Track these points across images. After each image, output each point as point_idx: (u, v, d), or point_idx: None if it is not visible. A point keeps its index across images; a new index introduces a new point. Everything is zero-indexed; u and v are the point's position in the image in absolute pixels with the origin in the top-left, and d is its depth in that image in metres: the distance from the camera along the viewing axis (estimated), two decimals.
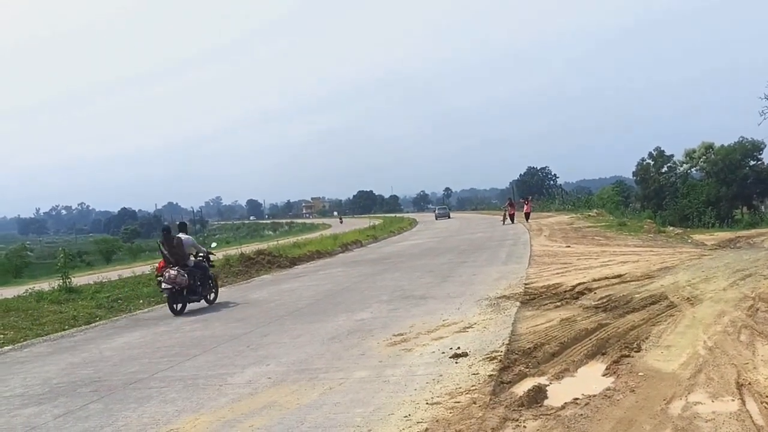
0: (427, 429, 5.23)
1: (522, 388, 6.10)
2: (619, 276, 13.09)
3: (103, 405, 7.09)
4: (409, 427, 5.33)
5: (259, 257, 24.54)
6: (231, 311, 13.75)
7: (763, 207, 65.16)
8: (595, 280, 12.68)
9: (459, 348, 7.86)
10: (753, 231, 38.68)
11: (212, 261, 15.64)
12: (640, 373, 6.24)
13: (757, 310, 8.90)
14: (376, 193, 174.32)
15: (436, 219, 71.37)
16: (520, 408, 5.51)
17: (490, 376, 6.53)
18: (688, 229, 37.92)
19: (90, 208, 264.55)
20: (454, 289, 13.40)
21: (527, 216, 39.66)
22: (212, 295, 15.02)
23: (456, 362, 7.29)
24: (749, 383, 5.67)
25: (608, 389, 5.83)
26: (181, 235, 14.36)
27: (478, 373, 6.69)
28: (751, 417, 4.89)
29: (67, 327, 13.54)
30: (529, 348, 7.55)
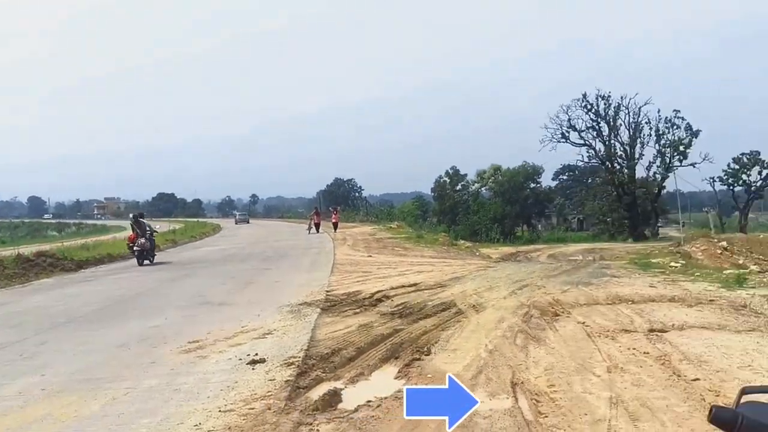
0: None
1: (318, 392, 6.18)
2: (415, 285, 13.79)
3: None
4: None
5: (39, 259, 22.26)
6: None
7: (540, 225, 72.43)
8: (393, 288, 13.23)
9: (257, 354, 7.76)
10: (531, 247, 42.95)
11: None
12: (428, 375, 6.61)
13: (531, 316, 9.85)
14: (178, 197, 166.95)
15: (236, 223, 77.76)
16: (315, 412, 5.57)
17: (286, 381, 6.53)
18: (477, 243, 41.02)
19: None
20: (256, 296, 13.24)
21: (335, 226, 40.31)
22: (153, 258, 23.41)
23: (253, 368, 7.19)
24: (522, 382, 6.24)
25: (399, 391, 6.08)
26: (143, 220, 23.62)
27: (274, 379, 6.65)
28: (522, 412, 5.38)
29: None
30: (327, 353, 7.67)
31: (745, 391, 2.14)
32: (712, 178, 58.30)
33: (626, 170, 53.72)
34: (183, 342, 8.86)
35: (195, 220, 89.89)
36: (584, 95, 53.48)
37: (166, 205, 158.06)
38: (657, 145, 52.98)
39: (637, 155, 53.90)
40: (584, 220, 76.12)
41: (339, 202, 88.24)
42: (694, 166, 52.71)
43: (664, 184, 54.23)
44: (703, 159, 52.43)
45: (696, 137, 52.12)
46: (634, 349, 7.50)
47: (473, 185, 71.68)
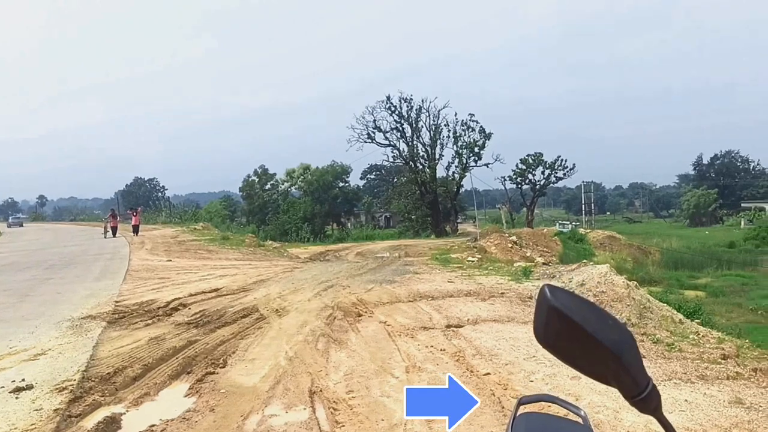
0: None
1: (93, 420, 5.47)
2: (216, 290, 13.10)
3: None
4: None
5: None
6: None
7: (349, 224, 73.83)
8: (191, 295, 12.44)
9: (23, 380, 6.75)
10: (340, 245, 43.39)
11: None
12: (222, 391, 6.15)
13: (335, 318, 9.71)
14: None
15: (9, 227, 71.07)
16: None
17: (55, 410, 5.71)
18: (287, 243, 40.64)
19: None
20: (32, 310, 11.73)
21: (135, 229, 37.59)
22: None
23: (17, 397, 6.23)
24: (321, 390, 6.02)
25: (188, 411, 5.58)
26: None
27: (41, 408, 5.79)
28: (318, 424, 5.14)
29: None
30: (108, 373, 6.88)
31: (521, 401, 2.07)
32: (503, 177, 63.29)
33: (428, 170, 56.35)
34: None
35: None
36: (388, 97, 55.33)
37: None
38: (455, 146, 56.27)
39: (437, 156, 56.83)
40: (391, 217, 79.00)
41: (140, 203, 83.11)
42: (487, 166, 56.75)
43: (461, 183, 57.78)
44: (495, 160, 56.60)
45: (489, 139, 56.08)
46: (432, 346, 7.61)
47: (283, 184, 71.23)
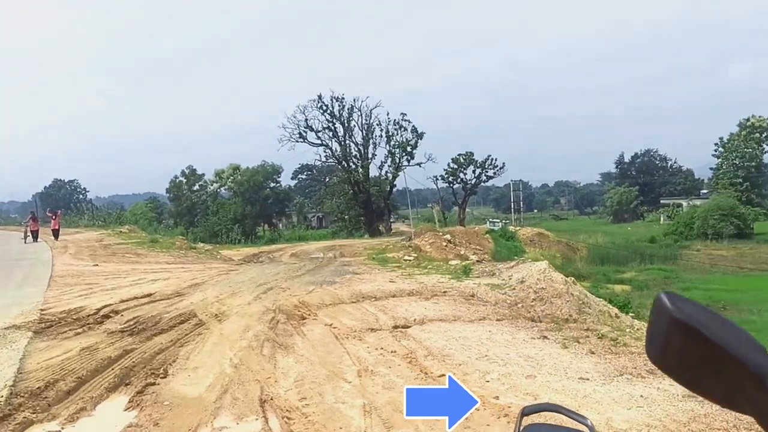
0: None
1: None
2: (149, 295, 12.53)
3: None
4: None
5: None
6: None
7: (281, 224, 72.88)
8: (123, 301, 11.83)
9: None
10: (273, 246, 42.71)
11: None
12: (165, 403, 5.80)
13: (278, 322, 9.42)
14: None
15: None
16: None
17: None
18: (218, 245, 39.67)
19: None
20: None
21: (55, 233, 35.77)
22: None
23: None
24: (271, 398, 5.76)
25: (130, 426, 5.23)
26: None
27: None
28: None
29: None
30: (38, 388, 6.38)
31: (524, 412, 1.94)
32: (435, 176, 63.79)
33: (361, 169, 56.22)
34: None
35: None
36: (320, 96, 54.85)
37: None
38: (387, 145, 56.31)
39: (370, 155, 56.74)
40: (324, 217, 78.47)
41: (60, 205, 79.65)
42: (420, 166, 57.04)
43: (394, 183, 57.93)
44: (428, 159, 56.96)
45: (421, 139, 56.43)
46: (382, 348, 7.46)
47: (212, 185, 69.61)
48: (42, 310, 11.26)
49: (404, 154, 55.99)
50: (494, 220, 67.53)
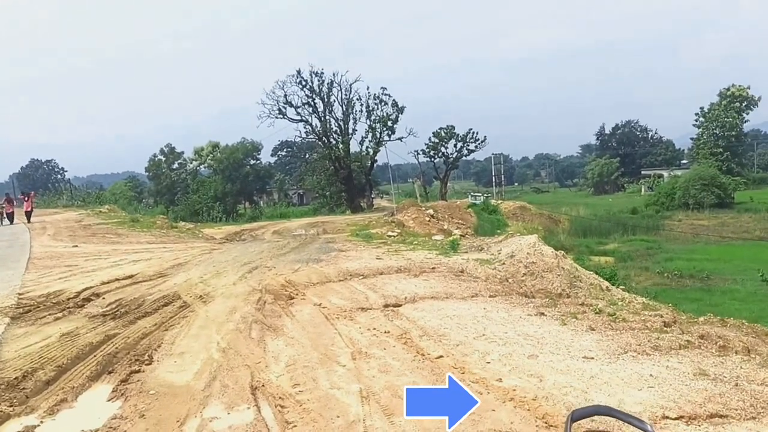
0: None
1: None
2: (131, 276, 12.17)
3: None
4: None
5: None
6: None
7: (262, 202, 72.22)
8: (104, 283, 11.46)
9: None
10: (255, 224, 42.22)
11: None
12: (151, 392, 5.51)
13: (265, 302, 9.14)
14: None
15: None
16: None
17: None
18: (199, 224, 39.13)
19: None
20: None
21: (28, 215, 35.02)
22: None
23: None
24: (263, 384, 5.50)
25: (115, 418, 4.95)
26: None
27: None
28: (266, 424, 4.65)
29: None
30: (16, 378, 6.05)
31: (573, 417, 1.72)
32: (417, 151, 63.36)
33: (341, 145, 55.58)
34: None
35: None
36: (299, 71, 53.94)
37: None
38: (368, 120, 55.67)
39: (350, 130, 56.07)
40: (304, 194, 77.94)
41: (38, 186, 78.28)
42: (401, 140, 56.48)
43: (375, 158, 57.40)
44: (409, 133, 56.42)
45: (402, 113, 55.85)
46: (374, 329, 7.22)
47: (191, 163, 68.65)
48: (20, 294, 10.87)
49: (385, 128, 55.43)
50: (476, 194, 67.32)
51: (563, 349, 6.08)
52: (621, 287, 13.72)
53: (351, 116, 55.89)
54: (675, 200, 54.96)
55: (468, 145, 63.11)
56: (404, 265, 12.29)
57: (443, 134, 63.33)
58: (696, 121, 77.37)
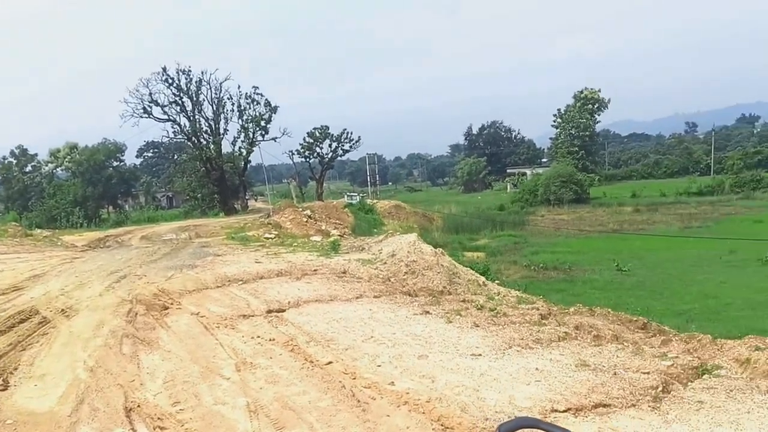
0: None
1: None
2: None
3: None
4: None
5: None
6: None
7: (127, 206, 68.58)
8: None
9: None
10: (120, 229, 39.86)
11: None
12: (8, 421, 4.91)
13: (137, 314, 8.52)
14: None
15: None
16: None
17: None
18: (58, 231, 36.47)
19: None
20: None
21: None
22: None
23: None
24: (138, 405, 5.05)
25: None
26: None
27: None
28: None
29: None
30: None
31: (501, 430, 1.64)
32: (291, 151, 62.63)
33: (213, 145, 53.79)
34: None
35: None
36: (164, 69, 51.56)
37: None
38: (240, 120, 54.27)
39: (222, 130, 54.40)
40: (174, 197, 74.87)
41: None
42: (275, 140, 55.53)
43: (249, 158, 56.11)
44: (283, 133, 55.61)
45: (275, 113, 54.94)
46: (258, 336, 6.90)
47: (46, 166, 63.88)
48: None
49: (258, 128, 54.30)
50: (351, 193, 67.58)
51: (451, 348, 6.08)
52: (496, 282, 14.14)
53: (222, 116, 54.19)
54: (537, 197, 58.08)
55: (343, 145, 63.21)
56: (285, 268, 11.97)
57: (318, 134, 63.05)
58: (554, 122, 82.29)
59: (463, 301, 8.94)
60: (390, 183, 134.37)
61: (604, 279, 24.08)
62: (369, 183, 78.38)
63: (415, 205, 59.48)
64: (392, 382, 5.14)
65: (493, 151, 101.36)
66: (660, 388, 4.73)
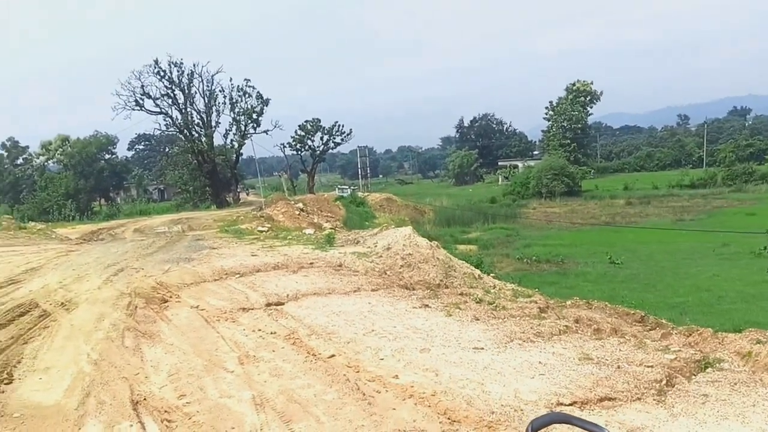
0: None
1: None
2: None
3: None
4: None
5: None
6: None
7: (119, 198, 68.31)
8: None
9: None
10: (113, 222, 39.68)
11: None
12: (15, 415, 4.95)
13: (136, 307, 8.56)
14: None
15: None
16: None
17: None
18: (50, 224, 36.31)
19: None
20: None
21: None
22: None
23: None
24: (145, 398, 5.10)
25: None
26: None
27: None
28: None
29: None
30: None
31: (534, 426, 1.69)
32: (283, 144, 62.50)
33: (204, 138, 53.61)
34: None
35: None
36: (156, 61, 51.26)
37: None
38: (232, 113, 54.09)
39: (213, 123, 54.19)
40: (165, 190, 74.62)
41: None
42: (267, 133, 55.40)
43: (241, 151, 55.94)
44: (275, 126, 55.48)
45: (267, 105, 54.76)
46: (259, 330, 6.95)
47: (38, 158, 63.56)
48: None
49: (250, 121, 54.17)
50: (343, 186, 67.60)
51: (453, 341, 6.16)
52: (491, 275, 14.23)
53: (214, 108, 54.02)
54: (529, 189, 58.27)
55: (334, 138, 63.16)
56: (281, 261, 12.02)
57: (309, 127, 62.95)
58: (546, 114, 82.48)
59: (461, 294, 9.02)
60: (381, 176, 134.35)
61: (596, 272, 24.24)
62: (360, 176, 78.40)
63: (407, 197, 59.60)
64: (396, 376, 5.21)
65: (484, 143, 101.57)
66: (664, 382, 4.83)
